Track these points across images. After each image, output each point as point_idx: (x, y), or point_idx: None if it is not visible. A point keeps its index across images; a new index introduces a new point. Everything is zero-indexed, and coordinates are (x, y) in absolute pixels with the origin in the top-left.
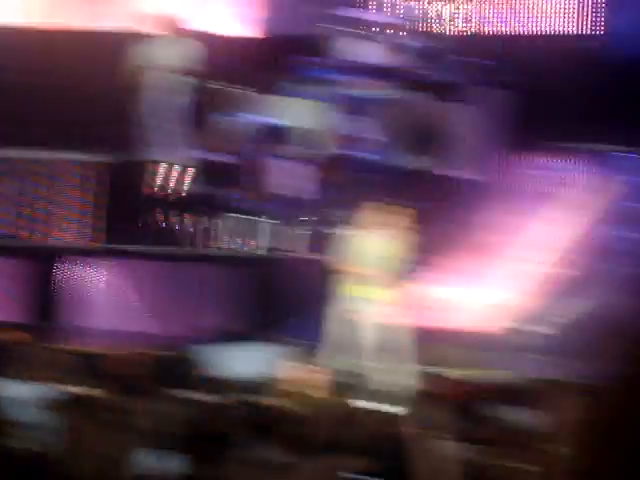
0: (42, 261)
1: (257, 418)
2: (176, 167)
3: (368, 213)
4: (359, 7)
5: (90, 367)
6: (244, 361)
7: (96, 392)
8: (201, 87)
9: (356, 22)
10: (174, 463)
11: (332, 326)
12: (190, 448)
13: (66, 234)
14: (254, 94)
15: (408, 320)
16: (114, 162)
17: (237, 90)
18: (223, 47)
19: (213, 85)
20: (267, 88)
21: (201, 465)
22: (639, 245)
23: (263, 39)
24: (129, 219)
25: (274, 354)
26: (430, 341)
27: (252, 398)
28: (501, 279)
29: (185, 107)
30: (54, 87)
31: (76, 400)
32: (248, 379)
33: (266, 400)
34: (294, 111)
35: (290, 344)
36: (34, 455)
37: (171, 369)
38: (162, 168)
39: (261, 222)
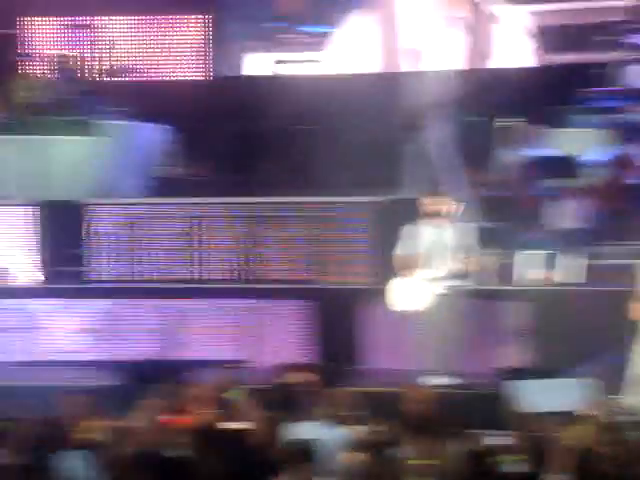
0: (328, 303)
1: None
2: (455, 203)
3: None
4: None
5: (377, 407)
6: (552, 395)
7: (385, 432)
8: (480, 122)
9: (634, 47)
10: None
11: (634, 359)
12: None
13: (348, 275)
14: (534, 127)
15: None
16: (388, 201)
17: (518, 123)
18: (496, 80)
19: (493, 120)
20: (547, 120)
21: None
22: None
23: (539, 69)
24: None
25: (580, 388)
26: None
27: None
28: None
29: (465, 143)
30: (333, 131)
31: (364, 441)
32: (557, 413)
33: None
34: (574, 141)
35: (593, 378)
36: None
37: (479, 407)
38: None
39: (549, 255)
